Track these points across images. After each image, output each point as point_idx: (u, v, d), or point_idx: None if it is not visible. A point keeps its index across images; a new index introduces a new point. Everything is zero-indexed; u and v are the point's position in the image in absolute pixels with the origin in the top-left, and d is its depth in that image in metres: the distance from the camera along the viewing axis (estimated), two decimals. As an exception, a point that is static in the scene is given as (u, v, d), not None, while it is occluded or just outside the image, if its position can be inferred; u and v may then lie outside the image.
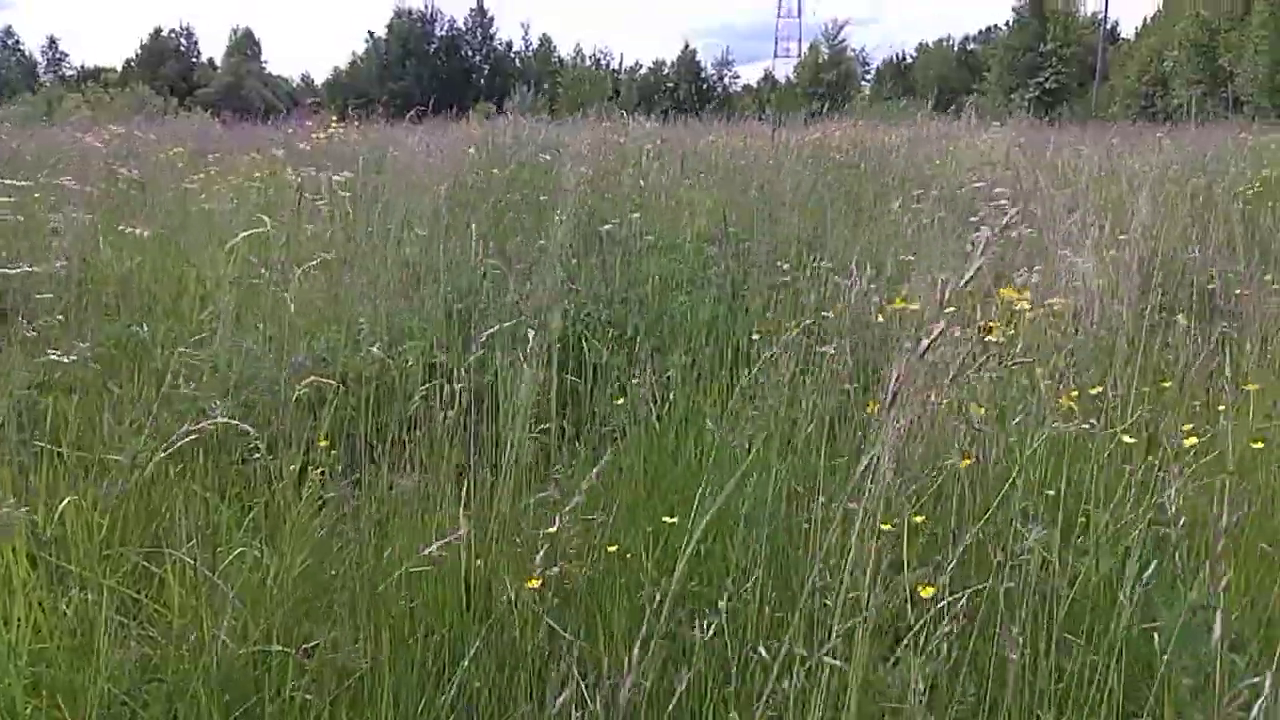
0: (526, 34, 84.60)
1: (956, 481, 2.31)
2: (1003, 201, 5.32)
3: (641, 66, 68.94)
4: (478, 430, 2.64)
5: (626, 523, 2.41)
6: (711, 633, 1.67)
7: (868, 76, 68.96)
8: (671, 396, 3.03)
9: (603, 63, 66.81)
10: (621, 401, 3.15)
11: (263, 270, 3.49)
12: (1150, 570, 1.76)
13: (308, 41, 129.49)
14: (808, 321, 3.25)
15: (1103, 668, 1.80)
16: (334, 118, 10.85)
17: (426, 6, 67.70)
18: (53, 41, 66.43)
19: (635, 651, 1.45)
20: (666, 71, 67.34)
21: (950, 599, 1.77)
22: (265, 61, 67.19)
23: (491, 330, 2.58)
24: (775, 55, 70.64)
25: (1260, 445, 2.44)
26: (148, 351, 3.31)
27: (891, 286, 3.46)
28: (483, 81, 64.66)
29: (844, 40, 64.17)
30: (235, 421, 2.14)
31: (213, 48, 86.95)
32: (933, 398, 2.00)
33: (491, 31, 69.36)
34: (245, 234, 3.13)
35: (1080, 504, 2.21)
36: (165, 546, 2.06)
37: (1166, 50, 46.05)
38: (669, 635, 1.88)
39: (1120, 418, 2.59)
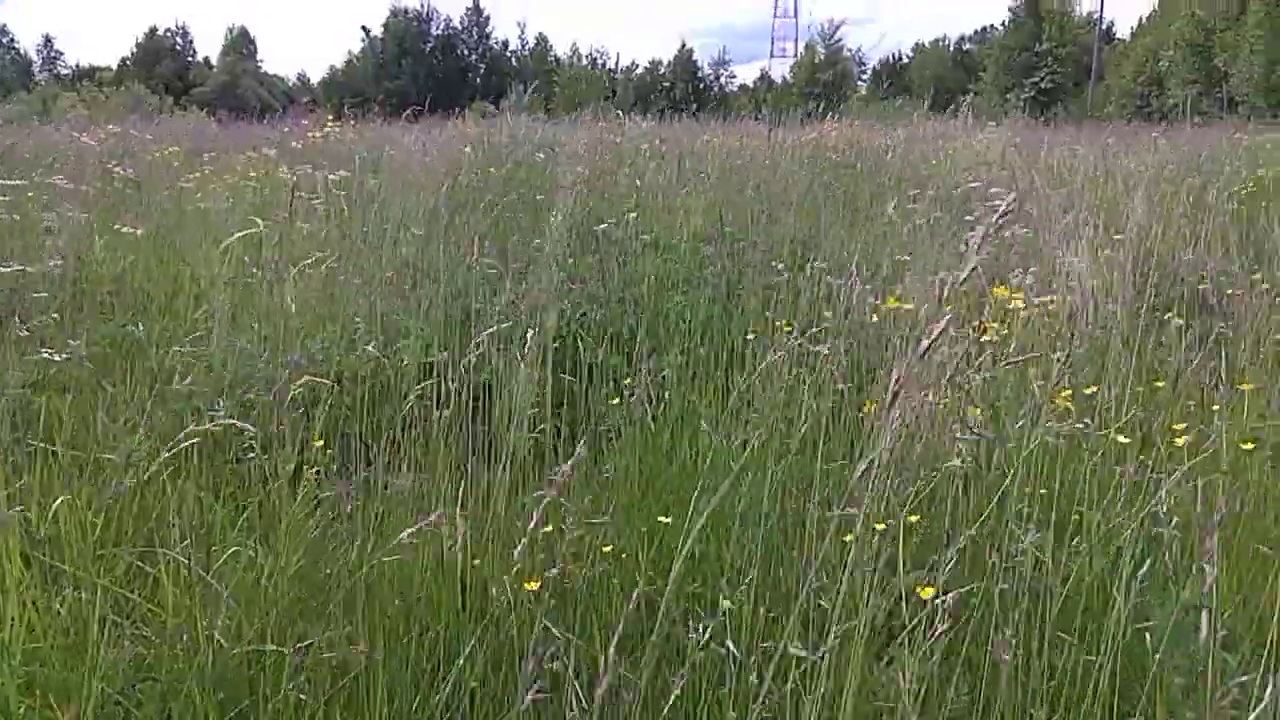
0: (523, 33, 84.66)
1: (951, 483, 2.31)
2: (998, 202, 5.33)
3: (638, 66, 68.96)
4: (473, 430, 2.64)
5: (622, 523, 2.41)
6: (707, 635, 1.67)
7: (864, 76, 69.02)
8: (667, 396, 3.03)
9: (599, 62, 66.80)
10: (617, 402, 3.15)
11: (255, 270, 3.49)
12: (1145, 570, 1.77)
13: (303, 40, 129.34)
14: (804, 322, 3.25)
15: (1095, 667, 1.80)
16: (330, 117, 10.85)
17: (422, 5, 67.64)
18: (48, 40, 66.34)
19: (611, 651, 1.45)
20: (663, 71, 67.34)
21: (944, 599, 1.78)
22: (261, 60, 67.13)
23: (490, 330, 2.58)
24: (771, 55, 70.66)
25: (1252, 446, 2.45)
26: (142, 351, 3.31)
27: (887, 286, 3.46)
28: (479, 80, 64.61)
29: (840, 40, 64.15)
30: (238, 423, 2.14)
31: (208, 47, 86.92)
32: (930, 397, 2.01)
33: (487, 30, 69.33)
34: (240, 234, 3.12)
35: (1074, 504, 2.22)
36: (159, 546, 2.06)
37: (1162, 50, 46.14)
38: (665, 636, 1.88)
39: (1115, 417, 2.59)
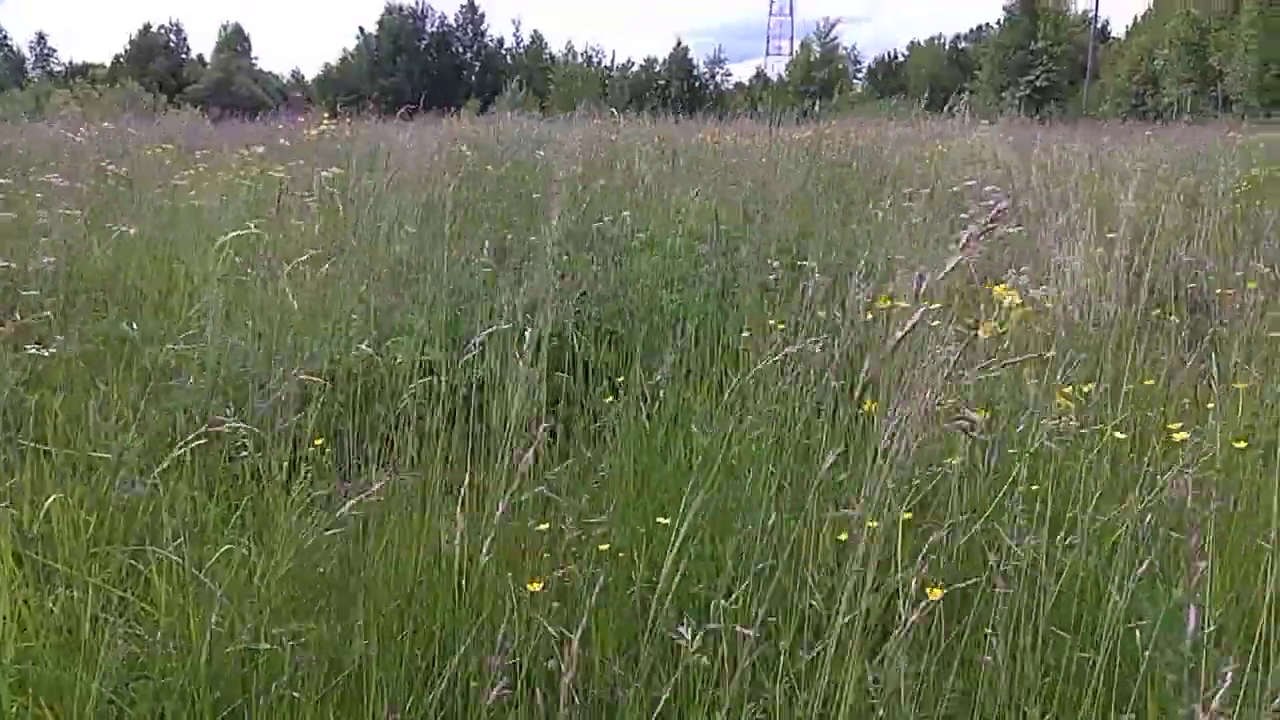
0: (518, 31, 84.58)
1: (946, 481, 2.32)
2: (992, 200, 5.34)
3: (633, 64, 68.96)
4: (468, 428, 2.64)
5: (618, 521, 2.41)
6: (698, 640, 1.67)
7: (859, 75, 69.09)
8: (662, 395, 3.03)
9: (594, 60, 66.80)
10: (611, 400, 3.15)
11: (249, 270, 3.48)
12: (1142, 568, 1.77)
13: (298, 38, 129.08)
14: (798, 321, 3.25)
15: (1089, 663, 1.81)
16: (325, 115, 10.82)
17: (417, 3, 67.60)
18: (41, 37, 66.20)
19: (575, 646, 1.44)
20: (658, 69, 67.33)
21: (920, 593, 1.78)
22: (255, 58, 66.96)
23: (491, 329, 2.57)
24: (768, 53, 70.68)
25: (1244, 444, 2.45)
26: (136, 349, 3.30)
27: (880, 285, 3.46)
28: (474, 78, 64.56)
29: (836, 39, 64.28)
30: (242, 425, 2.13)
31: (202, 44, 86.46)
32: (926, 396, 2.01)
33: (483, 28, 69.30)
34: (234, 234, 3.12)
35: (1069, 501, 2.22)
36: (151, 545, 2.05)
37: (1157, 49, 46.27)
38: (658, 637, 1.88)
39: (1110, 415, 2.60)
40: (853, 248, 4.37)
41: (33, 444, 2.43)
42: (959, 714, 1.87)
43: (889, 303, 2.76)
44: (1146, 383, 2.99)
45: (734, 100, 56.46)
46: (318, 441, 2.53)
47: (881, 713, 1.84)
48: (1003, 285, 3.14)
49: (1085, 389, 2.74)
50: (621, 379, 3.28)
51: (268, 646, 1.85)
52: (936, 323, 2.78)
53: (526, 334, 2.58)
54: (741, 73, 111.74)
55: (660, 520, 2.28)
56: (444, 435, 2.54)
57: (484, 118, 12.59)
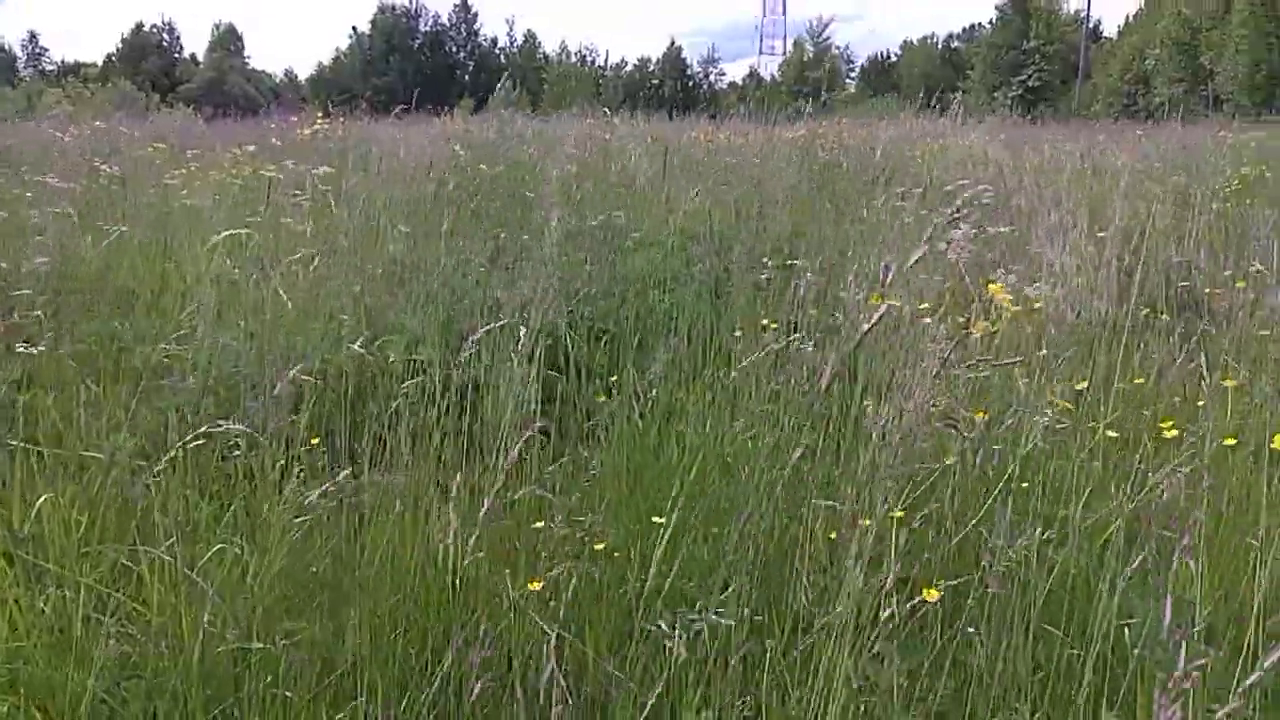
0: (511, 30, 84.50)
1: (938, 478, 2.32)
2: (985, 200, 5.35)
3: (627, 64, 68.98)
4: (461, 425, 2.64)
5: (610, 520, 2.41)
6: (685, 637, 1.67)
7: (852, 74, 69.20)
8: (654, 394, 3.03)
9: (588, 59, 66.79)
10: (604, 400, 3.15)
11: (236, 271, 3.47)
12: (1134, 565, 1.78)
13: (291, 37, 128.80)
14: (790, 320, 3.26)
15: (1079, 660, 1.82)
16: (318, 114, 10.80)
17: (411, 2, 67.50)
18: (33, 36, 65.92)
19: (553, 642, 1.45)
20: (652, 69, 67.34)
21: (934, 598, 1.79)
22: (248, 57, 66.84)
23: (488, 327, 2.56)
24: (761, 53, 70.71)
25: (1234, 442, 2.46)
26: (128, 348, 3.29)
27: (872, 284, 3.47)
28: (467, 78, 64.48)
29: (829, 38, 64.38)
30: (238, 426, 2.13)
31: (195, 43, 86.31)
32: (915, 395, 2.02)
33: (476, 27, 69.23)
34: (226, 233, 3.11)
35: (1060, 499, 2.23)
36: (140, 544, 2.05)
37: (1148, 48, 46.41)
38: (645, 635, 1.89)
39: (1101, 414, 2.61)
40: (845, 247, 4.38)
41: (23, 444, 2.42)
42: (950, 712, 1.87)
43: (879, 300, 2.77)
44: (1137, 381, 3.01)
45: (727, 100, 56.49)
46: (314, 441, 2.52)
47: (873, 711, 1.84)
48: (997, 284, 3.15)
49: (1079, 387, 2.75)
50: (615, 378, 3.29)
51: (260, 645, 1.85)
52: (928, 321, 2.79)
53: (521, 333, 2.58)
54: (735, 72, 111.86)
55: (655, 520, 2.28)
56: (437, 434, 2.54)
57: (477, 117, 12.58)
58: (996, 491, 2.14)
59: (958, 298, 3.43)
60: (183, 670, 1.80)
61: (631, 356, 3.31)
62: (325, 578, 2.14)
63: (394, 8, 66.67)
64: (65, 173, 5.34)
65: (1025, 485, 2.21)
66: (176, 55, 65.77)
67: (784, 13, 69.20)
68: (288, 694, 1.82)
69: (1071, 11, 53.99)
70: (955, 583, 1.94)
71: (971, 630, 1.84)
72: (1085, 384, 2.81)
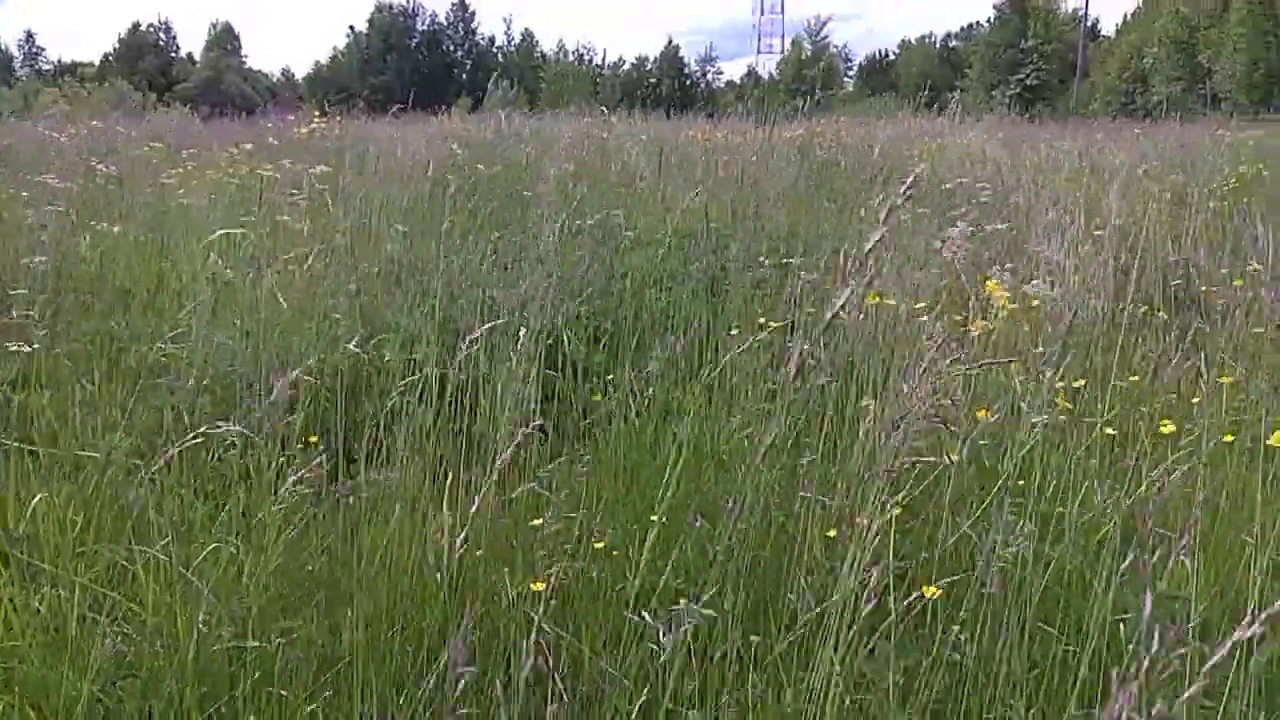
0: (509, 29, 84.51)
1: (934, 475, 2.32)
2: (984, 199, 5.36)
3: (624, 63, 68.95)
4: (457, 425, 2.63)
5: (607, 517, 2.41)
6: (677, 636, 1.67)
7: (851, 73, 69.21)
8: (651, 392, 3.03)
9: (585, 58, 66.77)
10: (600, 399, 3.15)
11: (229, 271, 3.47)
12: (1128, 562, 1.78)
13: (288, 36, 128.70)
14: (786, 318, 3.26)
15: (1074, 658, 1.82)
16: (315, 113, 10.79)
17: (408, 1, 67.44)
18: (30, 36, 65.84)
19: (533, 637, 1.44)
20: (649, 68, 67.33)
21: (933, 594, 1.79)
22: (245, 56, 66.73)
23: (488, 325, 2.56)
24: (758, 51, 70.71)
25: (1231, 439, 2.47)
26: (124, 348, 3.29)
27: (870, 281, 3.46)
28: (464, 76, 64.45)
29: (826, 37, 64.39)
30: (236, 428, 2.12)
31: (191, 43, 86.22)
32: (908, 392, 2.02)
33: (473, 26, 69.20)
34: (221, 232, 3.11)
35: (1057, 496, 2.24)
36: (136, 543, 2.05)
37: (1146, 47, 46.43)
38: (639, 634, 1.89)
39: (1097, 411, 2.61)
40: (841, 245, 4.37)
41: (18, 443, 2.42)
42: (945, 709, 1.87)
43: (877, 299, 2.77)
44: (1133, 379, 3.01)
45: (725, 99, 56.48)
46: (311, 440, 2.52)
47: (869, 708, 1.85)
48: (994, 281, 3.15)
49: (1076, 384, 2.75)
50: (611, 376, 3.29)
51: (255, 644, 1.85)
52: (924, 319, 2.79)
53: (521, 332, 2.58)
54: (733, 71, 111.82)
55: (654, 517, 2.28)
56: (434, 433, 2.54)
57: (475, 116, 12.59)
58: (995, 491, 2.14)
59: (954, 296, 3.43)
60: (178, 669, 1.80)
61: (629, 355, 3.31)
62: (321, 577, 2.14)
63: (391, 7, 66.71)
64: (62, 172, 5.33)
65: (1022, 483, 2.21)
66: (173, 55, 65.71)
67: (782, 11, 69.26)
68: (283, 692, 1.82)
69: (1069, 10, 54.10)
70: (951, 579, 1.94)
71: (957, 629, 1.84)
72: (1082, 382, 2.81)
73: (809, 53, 62.96)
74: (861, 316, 3.12)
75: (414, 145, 7.44)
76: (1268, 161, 7.77)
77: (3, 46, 63.70)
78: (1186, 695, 0.99)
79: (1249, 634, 0.99)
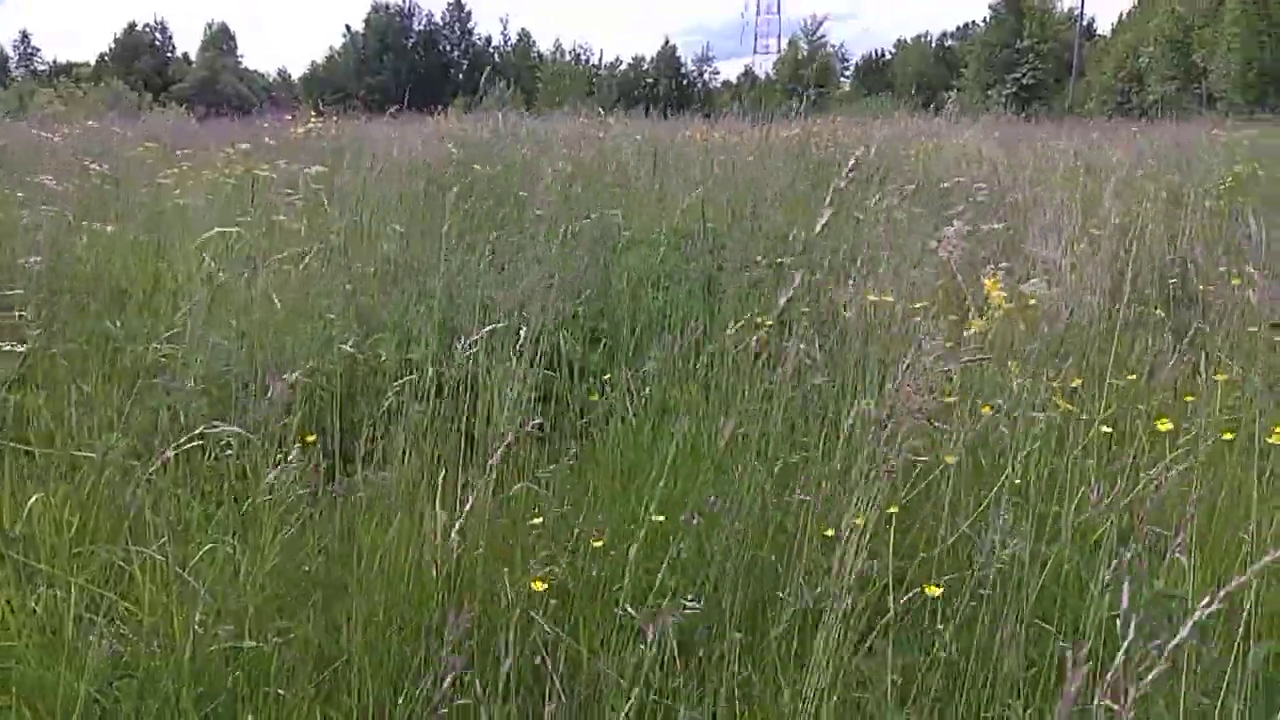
0: (505, 29, 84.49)
1: (933, 473, 2.33)
2: (980, 198, 5.37)
3: (621, 62, 68.92)
4: (455, 425, 2.63)
5: (605, 516, 2.41)
6: (661, 631, 1.67)
7: (847, 73, 69.25)
8: (647, 391, 3.03)
9: (582, 58, 66.73)
10: (596, 398, 3.15)
11: (222, 274, 3.46)
12: (1124, 560, 1.78)
13: (284, 36, 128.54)
14: (782, 317, 3.26)
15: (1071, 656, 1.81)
16: (312, 113, 10.78)
17: (404, 1, 67.37)
18: (25, 36, 65.67)
19: (512, 633, 1.44)
20: (646, 67, 67.31)
21: (935, 594, 1.79)
22: (241, 56, 66.59)
23: (490, 328, 2.56)
24: (755, 51, 70.73)
25: (1230, 436, 2.47)
26: (120, 348, 3.28)
27: (864, 280, 3.47)
28: (461, 76, 64.39)
29: (823, 36, 64.41)
30: (234, 428, 2.12)
31: (187, 43, 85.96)
32: (899, 392, 2.02)
33: (470, 26, 69.14)
34: (215, 230, 3.10)
35: (1054, 495, 2.24)
36: (132, 543, 2.04)
37: (1142, 46, 46.49)
38: (632, 632, 1.88)
39: (1095, 410, 2.61)
40: (839, 244, 4.37)
41: (14, 444, 2.41)
42: (943, 708, 1.88)
43: (871, 296, 2.77)
44: (1130, 377, 3.01)
45: (722, 99, 56.48)
46: (309, 439, 2.52)
47: (866, 707, 1.85)
48: (992, 280, 3.15)
49: (1074, 384, 2.75)
50: (608, 376, 3.29)
51: (252, 644, 1.85)
52: (919, 319, 2.80)
53: (522, 333, 2.58)
54: (729, 71, 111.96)
55: (646, 515, 2.28)
56: (431, 433, 2.54)
57: (471, 116, 12.57)
58: (994, 492, 2.15)
59: (951, 295, 3.43)
60: (175, 669, 1.80)
61: (626, 355, 3.31)
62: (318, 576, 2.13)
63: (388, 7, 66.61)
64: (57, 173, 5.32)
65: (1019, 482, 2.21)
66: (169, 55, 65.56)
67: (779, 11, 69.27)
68: (280, 692, 1.82)
69: (1065, 9, 54.16)
70: (947, 578, 1.94)
71: (951, 626, 1.84)
72: (1079, 381, 2.81)
73: (805, 52, 62.98)
74: (851, 314, 3.13)
75: (411, 144, 7.43)
76: (1263, 161, 7.78)
77: (-1, 47, 63.58)
78: (1151, 676, 1.01)
79: (1210, 610, 1.01)
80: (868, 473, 1.87)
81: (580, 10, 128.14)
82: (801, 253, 4.06)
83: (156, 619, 1.93)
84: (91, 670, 1.77)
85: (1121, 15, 56.27)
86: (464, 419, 2.64)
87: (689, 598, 1.95)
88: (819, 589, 1.91)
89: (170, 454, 2.02)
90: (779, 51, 66.97)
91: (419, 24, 67.61)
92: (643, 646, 1.66)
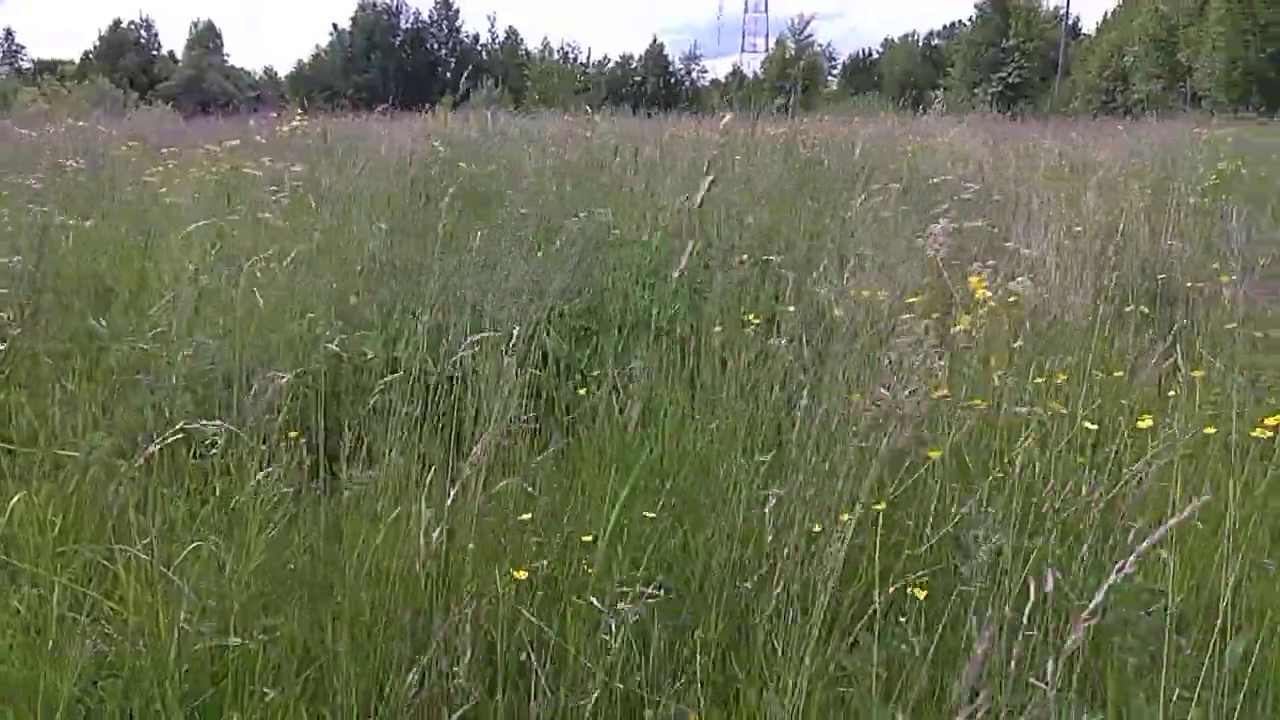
0: (493, 27, 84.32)
1: (921, 470, 2.34)
2: (966, 196, 5.39)
3: (609, 61, 68.91)
4: (443, 422, 2.63)
5: (592, 512, 2.41)
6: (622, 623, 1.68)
7: (834, 72, 69.41)
8: (632, 389, 3.03)
9: (570, 56, 66.65)
10: (584, 393, 3.16)
11: (203, 277, 3.45)
12: (1105, 554, 1.80)
13: (271, 34, 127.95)
14: (769, 315, 3.27)
15: (1054, 648, 1.83)
16: (298, 111, 10.74)
17: (391, -1, 67.15)
18: (9, 33, 65.17)
19: (468, 629, 1.45)
20: (634, 66, 67.32)
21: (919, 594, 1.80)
22: (227, 54, 66.22)
23: (483, 335, 2.55)
24: (743, 50, 70.78)
25: (1212, 430, 2.49)
26: (105, 347, 3.26)
27: (851, 279, 3.48)
28: (449, 74, 64.20)
29: (810, 35, 64.47)
30: (221, 424, 2.11)
31: (173, 40, 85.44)
32: (878, 389, 2.03)
33: (457, 24, 68.98)
34: (196, 225, 3.09)
35: (1037, 489, 2.25)
36: (116, 542, 2.03)
37: (1127, 45, 46.73)
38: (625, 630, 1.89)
39: (1078, 406, 2.63)
40: (826, 243, 4.39)
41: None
42: (927, 704, 1.89)
43: (858, 293, 2.79)
44: (1117, 374, 3.04)
45: (710, 97, 56.52)
46: (292, 434, 2.51)
47: (851, 702, 1.86)
48: (977, 278, 3.17)
49: (1059, 379, 2.77)
50: (596, 373, 3.29)
51: (238, 642, 1.84)
52: (907, 316, 2.81)
53: (515, 331, 2.57)
54: (718, 69, 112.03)
55: (648, 514, 2.28)
56: (419, 431, 2.54)
57: (458, 114, 12.55)
58: (984, 491, 2.16)
59: (936, 292, 3.45)
60: (159, 668, 1.79)
61: (613, 353, 3.31)
62: (304, 574, 2.13)
63: (375, 5, 66.38)
64: (41, 171, 5.29)
65: (1002, 476, 2.22)
66: (155, 53, 65.16)
67: (766, 10, 69.31)
68: (265, 690, 1.81)
69: (1051, 8, 54.40)
70: (930, 570, 1.96)
71: (902, 619, 1.85)
72: (1064, 377, 2.83)
73: (793, 51, 63.05)
74: (840, 312, 3.14)
75: (400, 142, 7.41)
76: (1246, 158, 7.85)
77: (-18, 44, 63.09)
78: (1070, 642, 1.07)
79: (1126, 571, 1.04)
80: (851, 470, 1.88)
81: (568, 8, 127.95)
82: (787, 251, 4.08)
83: (141, 618, 1.92)
84: (76, 670, 1.77)
85: (1106, 14, 56.62)
86: (453, 416, 2.64)
87: (658, 588, 1.95)
88: (804, 579, 1.92)
89: (154, 450, 2.01)
90: (767, 50, 67.04)
91: (406, 22, 67.47)
92: (606, 636, 1.66)
